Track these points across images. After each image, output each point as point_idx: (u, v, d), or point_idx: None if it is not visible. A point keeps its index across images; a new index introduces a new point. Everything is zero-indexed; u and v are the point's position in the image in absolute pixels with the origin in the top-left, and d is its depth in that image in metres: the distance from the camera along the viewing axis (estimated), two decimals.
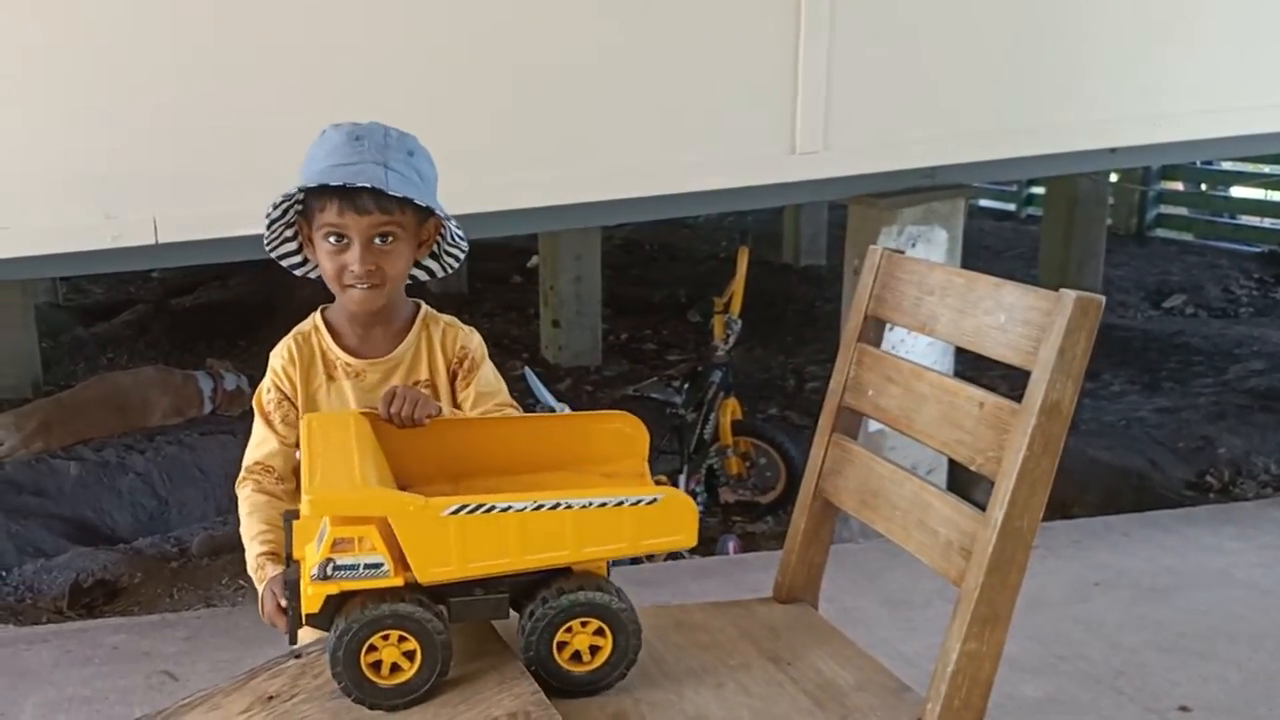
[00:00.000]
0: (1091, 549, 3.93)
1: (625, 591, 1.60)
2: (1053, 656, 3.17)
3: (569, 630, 1.55)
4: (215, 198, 3.26)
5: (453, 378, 1.81)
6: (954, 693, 1.54)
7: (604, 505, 1.52)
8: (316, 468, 1.52)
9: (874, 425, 1.93)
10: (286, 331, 1.83)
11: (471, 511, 1.48)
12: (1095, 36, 4.08)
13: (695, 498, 4.64)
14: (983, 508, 1.55)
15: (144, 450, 5.21)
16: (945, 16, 3.90)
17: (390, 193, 1.62)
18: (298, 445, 1.76)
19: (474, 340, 1.83)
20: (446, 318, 1.84)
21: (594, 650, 1.58)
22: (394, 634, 1.49)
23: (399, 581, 1.48)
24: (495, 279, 8.31)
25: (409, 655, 1.50)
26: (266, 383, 1.78)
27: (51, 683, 3.09)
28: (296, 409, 1.77)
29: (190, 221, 3.28)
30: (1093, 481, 4.98)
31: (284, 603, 1.56)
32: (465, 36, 3.44)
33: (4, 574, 4.17)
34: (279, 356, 1.78)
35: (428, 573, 1.49)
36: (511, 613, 1.59)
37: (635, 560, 4.21)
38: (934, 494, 1.66)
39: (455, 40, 3.43)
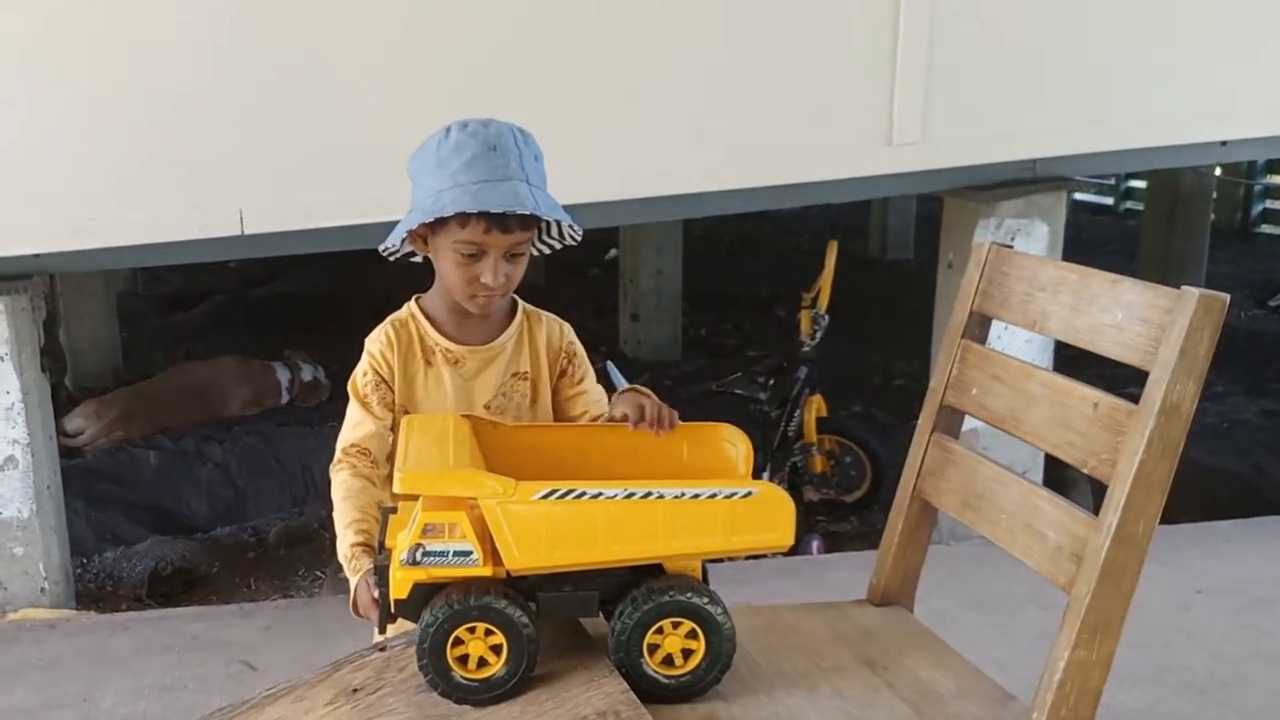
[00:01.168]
0: (1193, 556, 3.80)
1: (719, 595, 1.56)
2: (1154, 666, 3.07)
3: (660, 632, 1.52)
4: (301, 187, 3.31)
5: (560, 374, 1.79)
6: (1061, 702, 1.49)
7: (696, 497, 1.48)
8: (410, 451, 1.52)
9: (968, 424, 1.87)
10: (363, 322, 1.82)
11: (562, 497, 1.46)
12: (1205, 24, 3.95)
13: None
14: (1082, 510, 1.49)
15: (222, 440, 5.28)
16: (1049, 3, 3.79)
17: (544, 217, 1.62)
18: (394, 429, 1.75)
19: (576, 337, 1.82)
20: (547, 314, 1.82)
21: (686, 655, 1.54)
22: (481, 627, 1.47)
23: (488, 572, 1.47)
24: (572, 270, 8.29)
25: (496, 649, 1.49)
26: (363, 366, 1.76)
27: (132, 670, 3.14)
28: (393, 393, 1.76)
29: (276, 212, 3.32)
30: (1194, 486, 4.81)
31: (377, 594, 1.55)
32: (559, 25, 3.43)
33: (85, 561, 4.23)
34: (376, 341, 1.76)
35: (516, 560, 1.47)
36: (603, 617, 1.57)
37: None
38: (1043, 497, 1.60)
39: (551, 30, 3.43)
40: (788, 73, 3.58)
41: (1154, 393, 1.42)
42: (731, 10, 3.54)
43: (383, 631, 1.60)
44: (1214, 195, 8.79)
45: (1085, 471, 1.52)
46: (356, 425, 1.75)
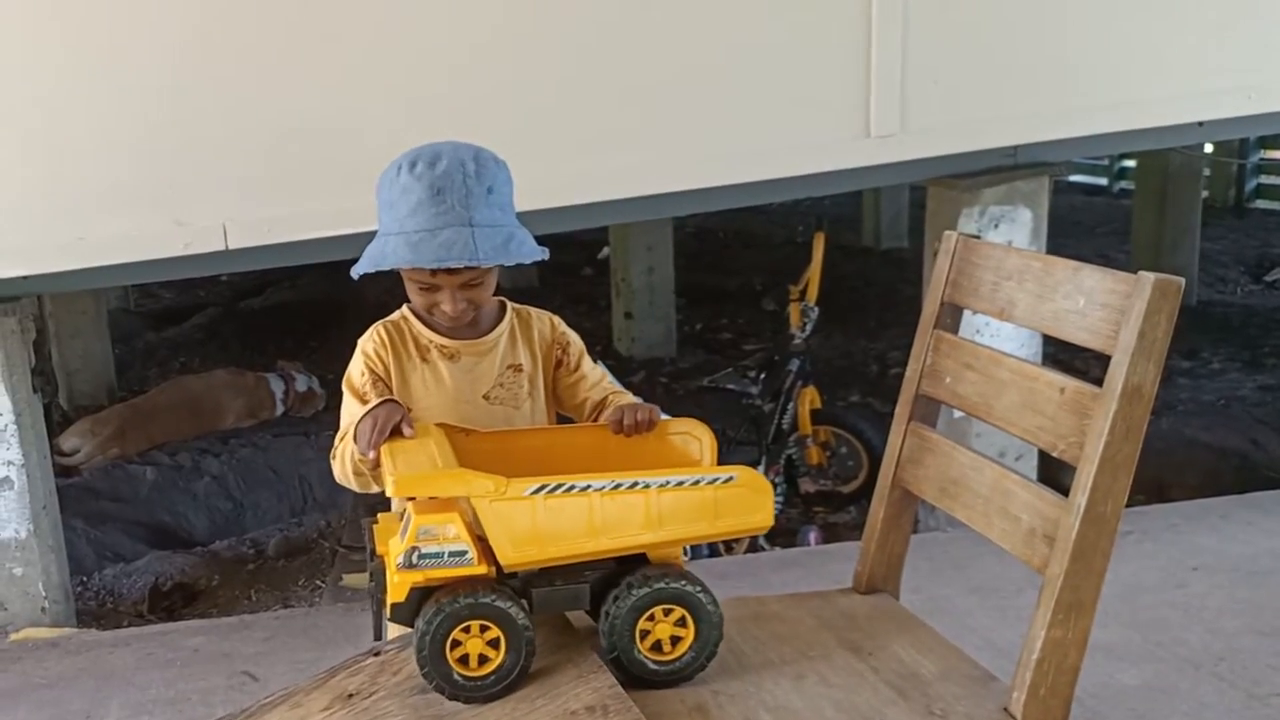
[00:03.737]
0: (1189, 532, 3.82)
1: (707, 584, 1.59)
2: (1151, 643, 3.09)
3: (651, 619, 1.55)
4: (284, 201, 3.34)
5: (556, 365, 1.83)
6: (1040, 681, 1.51)
7: (680, 484, 1.52)
8: (399, 460, 1.55)
9: (958, 412, 1.89)
10: (356, 331, 1.85)
11: (551, 491, 1.49)
12: (1180, 6, 3.96)
13: (776, 489, 4.60)
14: (1052, 493, 1.52)
15: (218, 453, 5.30)
16: None
17: (482, 265, 1.64)
18: None
19: (569, 328, 1.86)
20: (534, 309, 1.86)
21: (675, 641, 1.57)
22: (476, 625, 1.50)
23: (483, 570, 1.50)
24: (566, 271, 8.31)
25: (494, 646, 1.51)
26: (358, 365, 1.79)
27: (135, 684, 3.16)
28: (389, 388, 1.78)
29: (260, 226, 3.35)
30: (1191, 462, 4.84)
31: (381, 423, 1.59)
32: (539, 28, 3.45)
33: (85, 579, 4.26)
34: (370, 341, 1.79)
35: (511, 556, 1.50)
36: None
37: (714, 552, 4.20)
38: (1015, 480, 1.63)
39: (526, 34, 3.45)
40: (765, 68, 3.61)
41: (1116, 375, 1.44)
42: (707, 8, 3.56)
43: (378, 637, 1.63)
44: (1207, 173, 8.81)
45: (1054, 455, 1.54)
46: (355, 415, 1.75)
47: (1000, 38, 3.80)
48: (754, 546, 4.41)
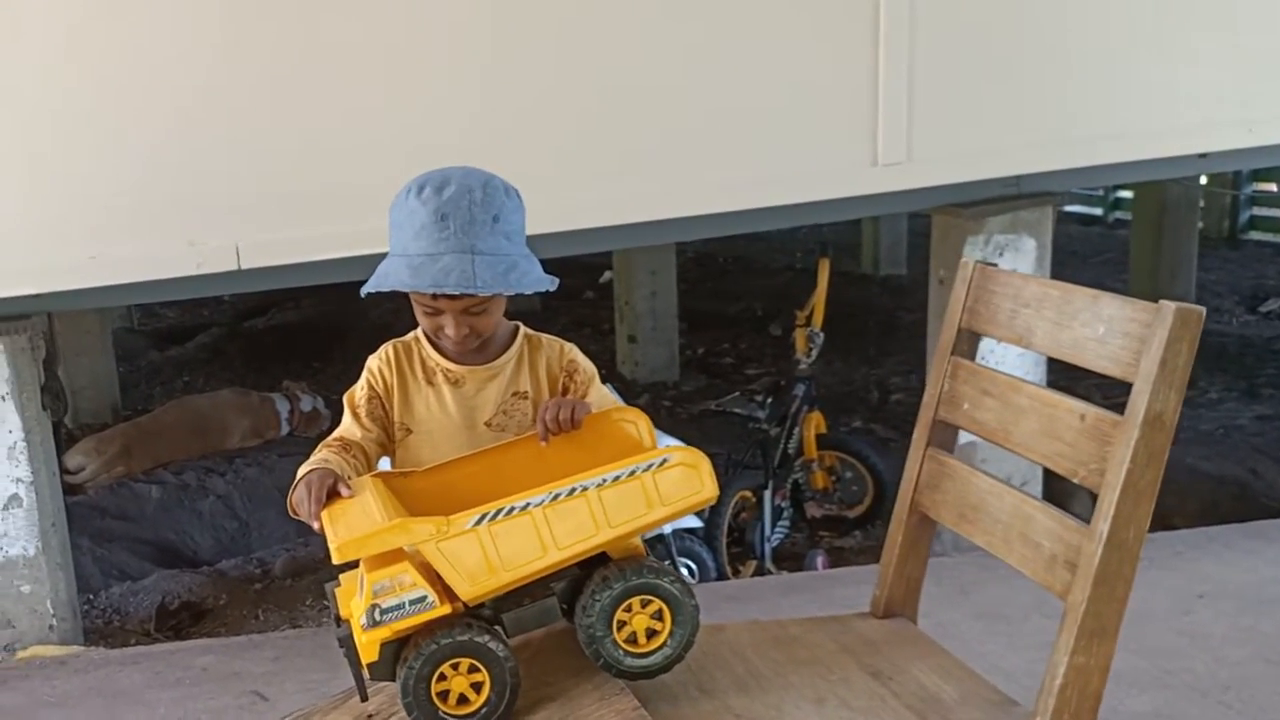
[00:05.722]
0: (1194, 560, 3.83)
1: (694, 589, 1.60)
2: (1158, 670, 3.10)
3: (628, 609, 1.56)
4: (296, 222, 3.34)
5: (563, 391, 1.81)
6: (1063, 707, 1.52)
7: (618, 479, 1.52)
8: (339, 525, 1.53)
9: (964, 437, 1.91)
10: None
11: (493, 519, 1.49)
12: (1184, 40, 4.00)
13: (782, 514, 4.61)
14: (1082, 520, 1.53)
15: (223, 473, 5.28)
16: (1028, 21, 3.86)
17: (480, 294, 1.64)
18: (385, 446, 1.80)
19: (579, 355, 1.84)
20: (546, 335, 1.86)
21: (651, 636, 1.58)
22: (455, 663, 1.50)
23: (447, 610, 1.49)
24: (568, 295, 8.29)
25: (477, 683, 1.51)
26: (360, 382, 1.81)
27: (145, 703, 3.15)
28: (386, 410, 1.80)
29: (272, 246, 3.35)
30: (1192, 491, 4.86)
31: (315, 491, 1.59)
32: (540, 58, 3.49)
33: (91, 596, 4.24)
34: (376, 359, 1.81)
35: (470, 591, 1.50)
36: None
37: (720, 575, 4.20)
38: (1036, 506, 1.64)
39: (537, 59, 3.48)
40: (775, 97, 3.63)
41: (1138, 403, 1.46)
42: (716, 37, 3.60)
43: (364, 699, 1.62)
44: (1201, 204, 8.87)
45: (1075, 481, 1.56)
46: (343, 428, 1.80)
47: (1005, 69, 3.84)
48: (761, 570, 4.42)
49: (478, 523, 1.49)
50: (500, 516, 1.49)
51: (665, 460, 1.54)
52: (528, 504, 1.50)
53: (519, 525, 1.50)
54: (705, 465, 1.57)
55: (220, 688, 3.22)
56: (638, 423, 1.67)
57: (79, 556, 3.93)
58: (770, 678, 1.72)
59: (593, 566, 1.58)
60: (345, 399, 1.81)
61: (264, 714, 2.98)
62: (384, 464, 1.89)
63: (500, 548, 1.49)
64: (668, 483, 1.54)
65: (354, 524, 1.51)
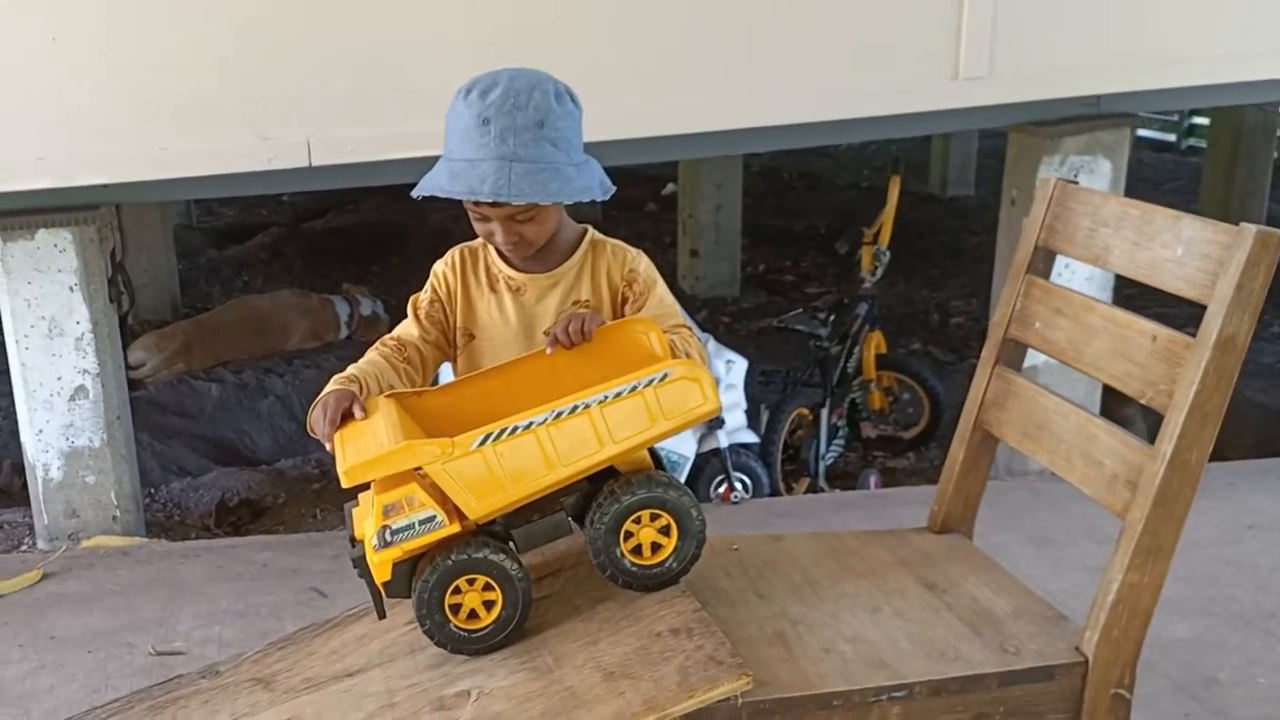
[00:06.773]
0: (1246, 492, 3.81)
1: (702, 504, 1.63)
2: (1203, 597, 3.11)
3: (637, 521, 1.58)
4: (368, 121, 3.32)
5: (622, 301, 1.79)
6: (1114, 622, 1.54)
7: (619, 395, 1.53)
8: (349, 448, 1.55)
9: (1025, 362, 1.91)
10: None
11: (497, 438, 1.51)
12: None
13: (837, 433, 4.61)
14: (1138, 439, 1.53)
15: (282, 373, 5.30)
16: None
17: (513, 202, 1.61)
18: (447, 350, 1.81)
19: (642, 262, 1.80)
20: (614, 241, 1.83)
21: (655, 549, 1.60)
22: (467, 579, 1.54)
23: (457, 528, 1.52)
24: (630, 206, 8.24)
25: (490, 601, 1.55)
26: (426, 285, 1.82)
27: (206, 596, 3.21)
28: (447, 314, 1.80)
29: (343, 145, 3.34)
30: (1248, 424, 4.79)
31: (330, 413, 1.60)
32: None
33: (152, 491, 4.29)
34: (443, 263, 1.82)
35: (478, 509, 1.52)
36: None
37: (774, 491, 4.24)
38: (1100, 426, 1.65)
39: None
40: (856, 7, 3.56)
41: (1211, 325, 1.46)
42: None
43: (382, 617, 1.65)
44: (1278, 133, 8.61)
45: (1143, 402, 1.56)
46: (402, 328, 1.81)
47: None
48: (814, 488, 4.44)
49: (482, 443, 1.51)
50: (505, 436, 1.51)
51: (666, 375, 1.54)
52: (531, 423, 1.52)
53: (523, 444, 1.52)
54: (706, 378, 1.57)
55: (280, 583, 3.28)
56: (649, 333, 1.67)
57: (139, 451, 3.97)
58: (827, 586, 1.75)
59: (602, 481, 1.60)
60: (409, 301, 1.82)
61: (324, 609, 3.01)
62: (445, 372, 1.92)
63: (506, 466, 1.51)
64: (669, 397, 1.54)
65: (362, 448, 1.53)
